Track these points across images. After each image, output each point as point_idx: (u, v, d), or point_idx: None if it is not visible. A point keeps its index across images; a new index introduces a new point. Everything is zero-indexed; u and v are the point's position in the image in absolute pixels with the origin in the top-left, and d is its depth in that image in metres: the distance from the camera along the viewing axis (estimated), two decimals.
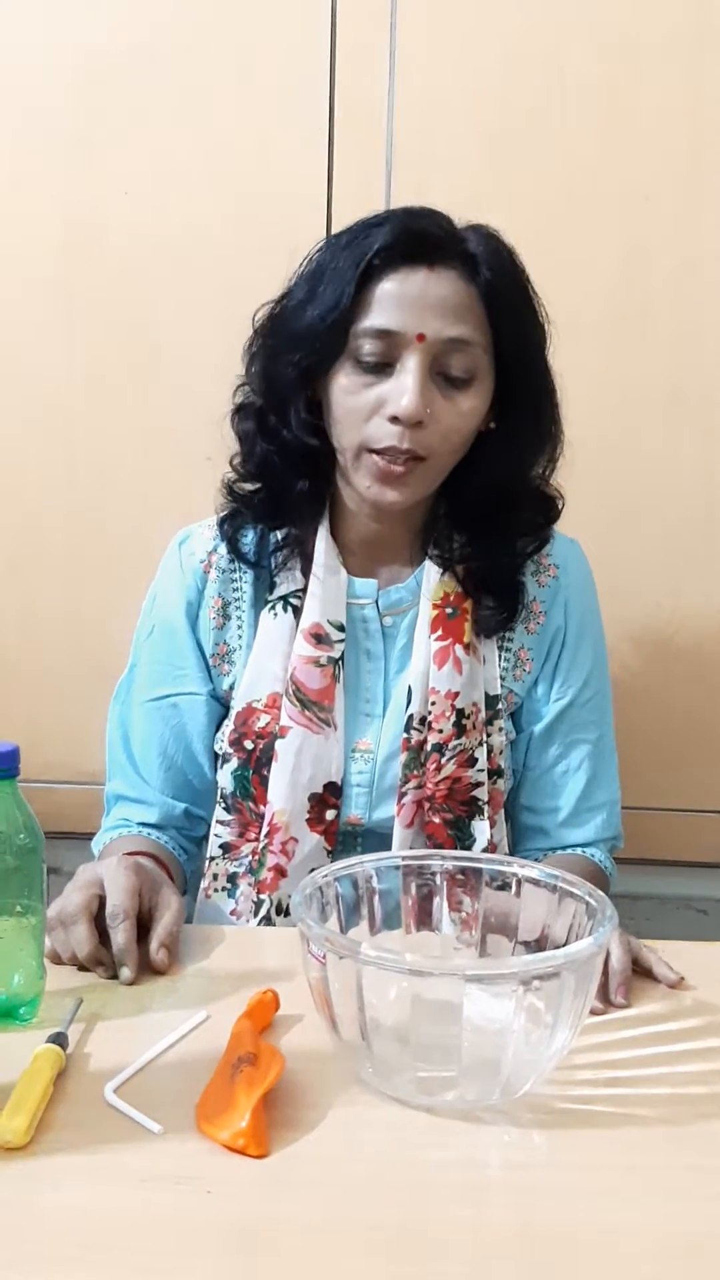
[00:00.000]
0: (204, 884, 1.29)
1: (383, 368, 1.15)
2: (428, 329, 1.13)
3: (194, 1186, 0.74)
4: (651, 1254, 0.70)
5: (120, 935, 1.00)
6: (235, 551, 1.27)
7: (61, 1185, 0.74)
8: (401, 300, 1.13)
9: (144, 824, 1.29)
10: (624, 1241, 0.71)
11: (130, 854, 1.16)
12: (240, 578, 1.28)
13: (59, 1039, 0.88)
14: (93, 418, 1.75)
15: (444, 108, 1.64)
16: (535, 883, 0.96)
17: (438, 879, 0.99)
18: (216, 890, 1.28)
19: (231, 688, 1.28)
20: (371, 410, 1.15)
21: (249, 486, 1.28)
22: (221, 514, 1.29)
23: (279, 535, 1.27)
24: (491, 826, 1.24)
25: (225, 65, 1.65)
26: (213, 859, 1.29)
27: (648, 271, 1.67)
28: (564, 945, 0.89)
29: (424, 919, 0.99)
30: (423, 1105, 0.83)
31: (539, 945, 0.94)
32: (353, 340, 1.15)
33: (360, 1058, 0.85)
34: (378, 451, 1.16)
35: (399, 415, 1.13)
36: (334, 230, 1.62)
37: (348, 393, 1.16)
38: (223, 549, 1.28)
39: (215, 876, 1.28)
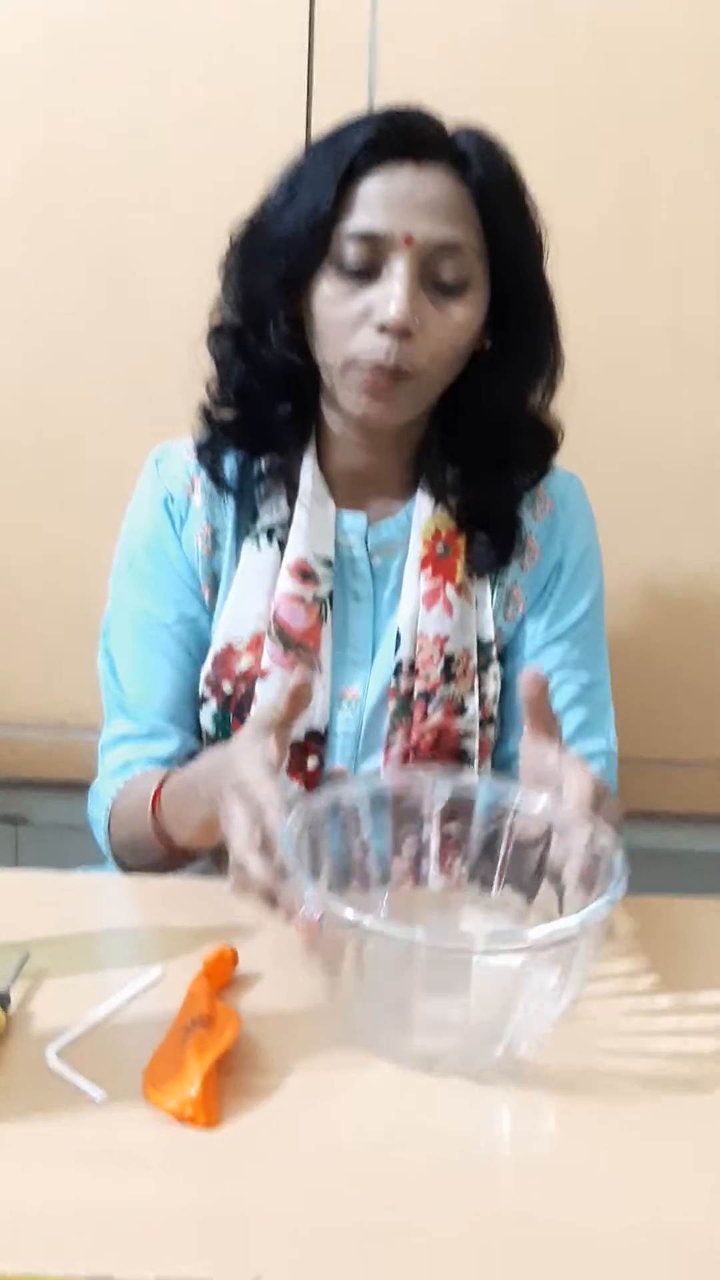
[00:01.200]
0: None
1: (368, 274, 1.06)
2: (416, 231, 1.05)
3: (138, 1162, 0.68)
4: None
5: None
6: (216, 480, 1.19)
7: None
8: (387, 200, 1.05)
9: (155, 760, 1.18)
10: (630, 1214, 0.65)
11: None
12: (225, 505, 1.20)
13: (0, 998, 0.81)
14: (63, 344, 1.67)
15: (431, 12, 1.55)
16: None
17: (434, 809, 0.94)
18: None
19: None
20: (357, 320, 1.07)
21: (227, 413, 1.20)
22: (199, 441, 1.21)
23: (262, 464, 1.19)
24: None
25: None
26: None
27: (646, 193, 1.59)
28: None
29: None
30: (421, 1067, 0.78)
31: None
32: (335, 245, 1.07)
33: (356, 1018, 0.80)
34: (365, 365, 1.07)
35: (386, 324, 1.05)
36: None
37: (331, 302, 1.08)
38: (205, 473, 1.20)
39: None
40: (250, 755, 0.89)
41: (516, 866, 0.92)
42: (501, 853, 0.93)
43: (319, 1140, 0.71)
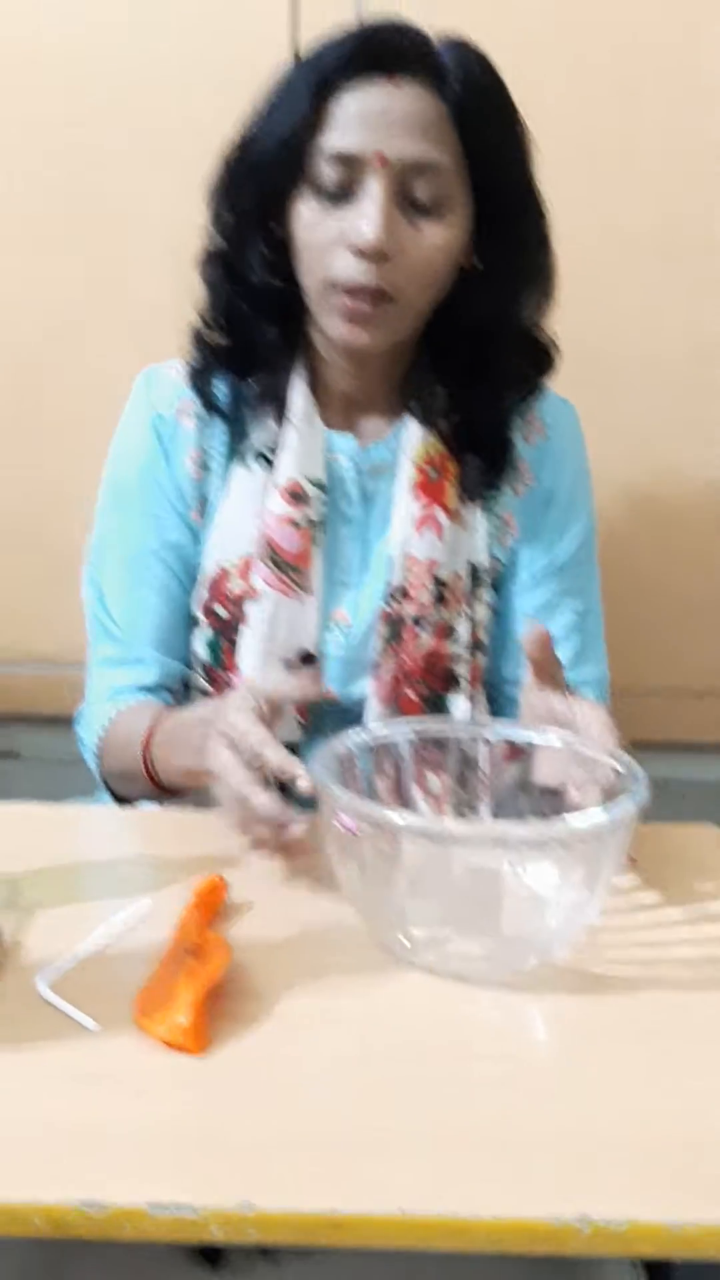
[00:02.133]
0: None
1: (344, 195, 1.05)
2: (389, 150, 1.02)
3: (127, 1087, 0.68)
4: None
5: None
6: (207, 403, 1.17)
7: None
8: (362, 118, 1.03)
9: (143, 688, 1.18)
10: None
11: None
12: (215, 429, 1.18)
13: None
14: (35, 272, 1.64)
15: None
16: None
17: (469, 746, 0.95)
18: None
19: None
20: (333, 242, 1.05)
21: (218, 337, 1.18)
22: (191, 364, 1.19)
23: (253, 386, 1.17)
24: (470, 703, 1.17)
25: None
26: None
27: (638, 108, 1.55)
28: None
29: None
30: (456, 975, 0.79)
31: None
32: (311, 165, 1.05)
33: (391, 929, 0.81)
34: (343, 289, 1.06)
35: (360, 245, 1.03)
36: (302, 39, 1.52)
37: (308, 225, 1.06)
38: (196, 396, 1.18)
39: None
40: (241, 706, 0.90)
41: (537, 803, 0.92)
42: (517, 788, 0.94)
43: (308, 1065, 0.71)
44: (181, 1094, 0.68)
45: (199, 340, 1.18)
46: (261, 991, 0.78)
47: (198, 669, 1.20)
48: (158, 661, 1.18)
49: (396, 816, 0.75)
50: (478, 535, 1.19)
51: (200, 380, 1.18)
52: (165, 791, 1.08)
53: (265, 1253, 1.02)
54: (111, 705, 1.17)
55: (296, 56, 1.10)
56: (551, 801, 0.89)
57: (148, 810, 1.13)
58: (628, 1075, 0.71)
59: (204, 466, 1.18)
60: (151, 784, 1.08)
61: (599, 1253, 0.64)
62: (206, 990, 0.74)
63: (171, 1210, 0.59)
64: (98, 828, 1.09)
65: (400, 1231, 0.59)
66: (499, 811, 0.93)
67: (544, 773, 0.91)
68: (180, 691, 1.21)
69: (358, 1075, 0.70)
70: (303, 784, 0.82)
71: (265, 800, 0.84)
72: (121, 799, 1.18)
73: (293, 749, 1.13)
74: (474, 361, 1.15)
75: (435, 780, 0.94)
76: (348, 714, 1.17)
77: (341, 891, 0.84)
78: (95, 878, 0.94)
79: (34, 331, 1.66)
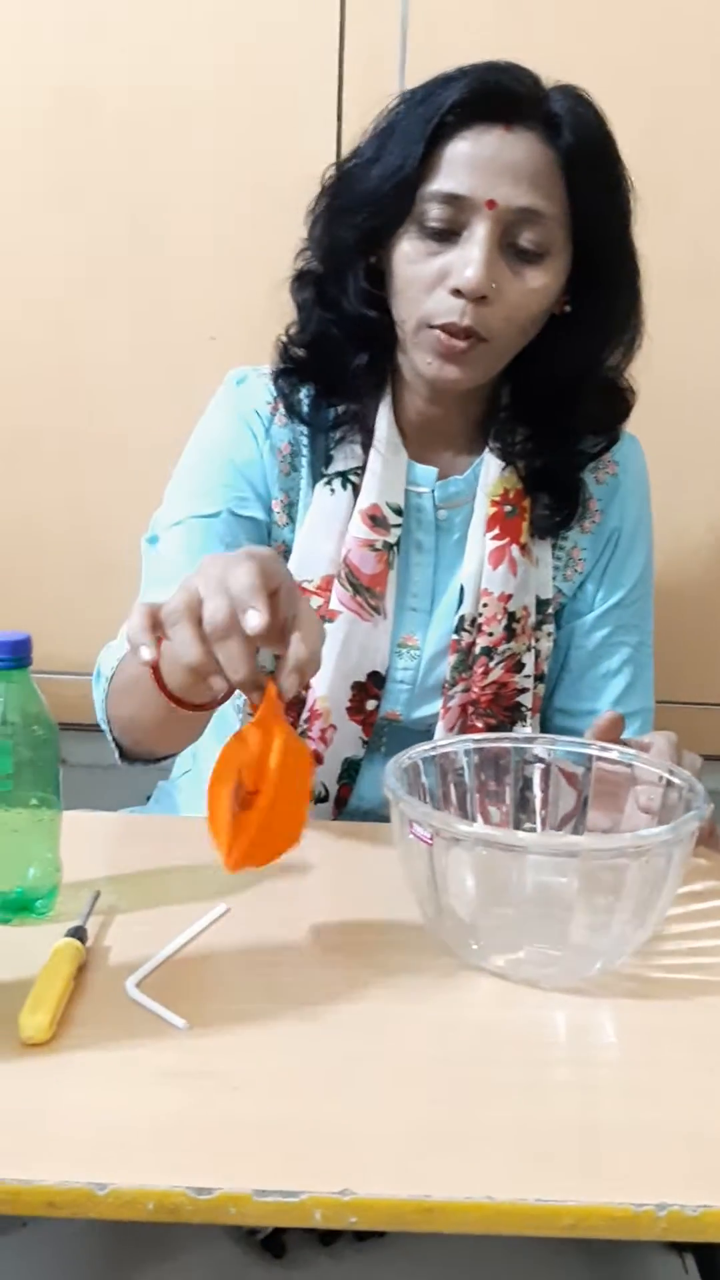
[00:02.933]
0: None
1: (449, 236, 1.07)
2: (499, 195, 1.05)
3: (219, 1083, 0.72)
4: None
5: (232, 647, 0.80)
6: (292, 410, 1.20)
7: (84, 1082, 0.72)
8: (473, 163, 1.06)
9: None
10: None
11: None
12: (301, 435, 1.20)
13: (78, 933, 0.86)
14: (88, 296, 1.68)
15: None
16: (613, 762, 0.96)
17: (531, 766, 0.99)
18: None
19: (287, 554, 1.20)
20: (434, 281, 1.08)
21: (303, 354, 1.20)
22: (277, 368, 1.21)
23: (337, 410, 1.20)
24: (531, 732, 1.21)
25: None
26: None
27: (673, 144, 1.59)
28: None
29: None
30: (526, 980, 0.83)
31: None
32: (419, 204, 1.07)
33: (464, 937, 0.84)
34: (438, 326, 1.09)
35: (462, 288, 1.06)
36: (345, 95, 1.56)
37: (410, 261, 1.09)
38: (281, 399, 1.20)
39: None
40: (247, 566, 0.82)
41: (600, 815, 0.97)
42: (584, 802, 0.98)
43: (390, 1063, 0.75)
44: (275, 1089, 0.72)
45: (285, 354, 1.21)
46: (337, 992, 0.82)
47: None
48: None
49: (472, 828, 0.80)
50: (545, 569, 1.22)
51: (285, 385, 1.20)
52: (170, 699, 0.95)
53: (326, 1244, 1.07)
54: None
55: (405, 92, 1.12)
56: (610, 817, 0.94)
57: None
58: (691, 1073, 0.75)
59: (292, 464, 1.20)
60: (156, 682, 0.94)
61: (673, 1237, 0.68)
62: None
63: (275, 1196, 0.63)
64: (172, 835, 1.13)
65: (487, 1217, 0.63)
66: (560, 825, 0.97)
67: (602, 795, 0.95)
68: None
69: (440, 1073, 0.74)
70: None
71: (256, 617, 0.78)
72: (127, 755, 1.15)
73: (354, 765, 1.19)
74: (556, 405, 1.18)
75: (496, 799, 0.98)
76: (413, 735, 1.20)
77: (410, 896, 0.88)
78: (171, 883, 0.98)
79: (82, 353, 1.70)
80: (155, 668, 0.93)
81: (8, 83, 1.61)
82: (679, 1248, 1.19)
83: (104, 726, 1.16)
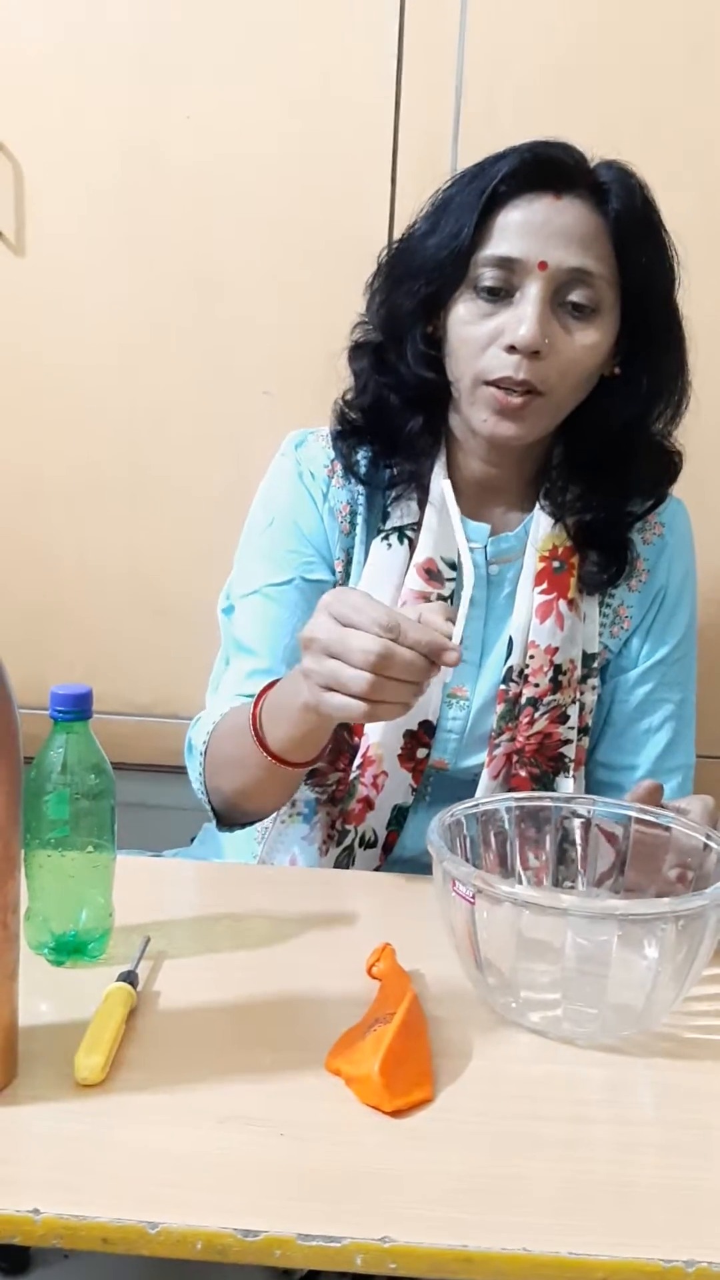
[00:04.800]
0: (278, 811, 1.26)
1: (503, 297, 1.13)
2: (550, 257, 1.11)
3: (266, 1128, 0.75)
4: None
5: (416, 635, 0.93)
6: (350, 470, 1.25)
7: (136, 1123, 0.75)
8: (525, 228, 1.12)
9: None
10: None
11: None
12: (359, 494, 1.26)
13: (129, 978, 0.89)
14: (150, 352, 1.74)
15: (516, 39, 1.60)
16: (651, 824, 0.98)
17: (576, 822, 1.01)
18: (293, 815, 1.27)
19: None
20: (489, 340, 1.13)
21: (360, 418, 1.26)
22: (335, 430, 1.26)
23: (394, 469, 1.25)
24: (575, 784, 1.24)
25: None
26: None
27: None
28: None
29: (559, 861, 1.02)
30: (563, 1037, 0.85)
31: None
32: (474, 269, 1.13)
33: (504, 993, 0.87)
34: (494, 383, 1.13)
35: (516, 344, 1.11)
36: (399, 166, 1.61)
37: (466, 322, 1.15)
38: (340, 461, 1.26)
39: (293, 802, 1.27)
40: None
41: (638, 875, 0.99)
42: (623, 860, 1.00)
43: (433, 1115, 0.77)
44: (319, 1136, 0.75)
45: (342, 417, 1.26)
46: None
47: None
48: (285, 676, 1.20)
49: (515, 889, 0.82)
50: (592, 625, 1.26)
51: (343, 447, 1.25)
52: (273, 760, 1.08)
53: None
54: (230, 705, 1.19)
55: (458, 172, 1.18)
56: (648, 878, 0.96)
57: (267, 868, 1.21)
58: None
59: (351, 522, 1.25)
60: (259, 746, 1.08)
61: None
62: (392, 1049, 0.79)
63: (318, 1240, 0.66)
64: (220, 881, 1.16)
65: (523, 1268, 0.66)
66: (598, 883, 1.00)
67: (640, 856, 0.97)
68: None
69: (480, 1126, 0.77)
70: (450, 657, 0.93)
71: (417, 633, 0.93)
72: (225, 821, 1.22)
73: (402, 813, 1.22)
74: (605, 464, 1.22)
75: (536, 854, 1.00)
76: (458, 784, 1.24)
77: (451, 949, 0.91)
78: (218, 930, 1.01)
79: (143, 405, 1.75)
80: (258, 734, 1.06)
81: (79, 148, 1.67)
82: None
83: (201, 798, 1.22)
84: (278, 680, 1.09)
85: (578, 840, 1.00)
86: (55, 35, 1.64)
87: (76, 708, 0.92)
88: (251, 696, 1.13)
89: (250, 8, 1.62)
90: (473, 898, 0.84)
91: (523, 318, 1.11)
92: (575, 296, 1.12)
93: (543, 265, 1.11)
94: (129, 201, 1.69)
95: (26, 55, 1.65)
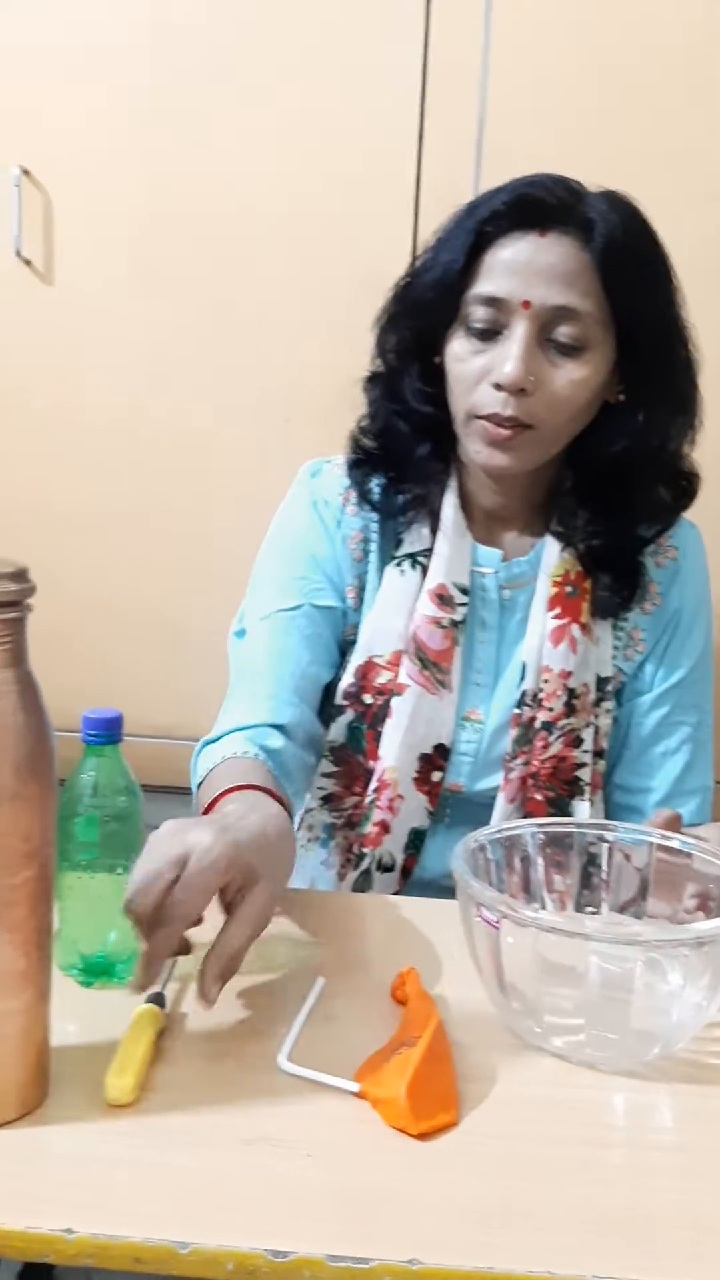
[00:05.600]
0: (295, 836, 1.28)
1: (492, 335, 1.16)
2: (533, 295, 1.13)
3: (293, 1149, 0.76)
4: None
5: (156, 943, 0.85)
6: (364, 498, 1.28)
7: (166, 1143, 0.76)
8: (510, 267, 1.14)
9: (275, 725, 1.17)
10: None
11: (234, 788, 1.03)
12: (372, 522, 1.28)
13: (158, 999, 0.90)
14: (171, 381, 1.77)
15: (539, 74, 1.62)
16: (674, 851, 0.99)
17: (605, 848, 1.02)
18: (311, 840, 1.29)
19: (355, 638, 1.27)
20: (479, 377, 1.16)
21: (374, 445, 1.28)
22: (350, 458, 1.29)
23: (406, 496, 1.28)
24: (591, 807, 1.25)
25: (315, 33, 1.64)
26: (310, 810, 1.29)
27: None
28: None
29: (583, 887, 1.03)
30: (585, 1062, 0.86)
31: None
32: (464, 307, 1.16)
33: (527, 1018, 0.88)
34: (484, 417, 1.16)
35: (502, 382, 1.14)
36: (421, 198, 1.64)
37: (458, 359, 1.18)
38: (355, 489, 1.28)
39: (310, 827, 1.29)
40: (214, 865, 0.85)
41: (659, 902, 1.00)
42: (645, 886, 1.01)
43: (457, 1140, 0.78)
44: (347, 1158, 0.76)
45: (357, 445, 1.29)
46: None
47: (328, 753, 1.28)
48: (292, 704, 1.22)
49: (539, 915, 0.83)
50: (605, 648, 1.27)
51: (358, 475, 1.28)
52: None
53: None
54: (230, 745, 1.15)
55: (462, 208, 1.20)
56: (670, 904, 0.97)
57: (289, 891, 1.21)
58: None
59: (364, 550, 1.28)
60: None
61: None
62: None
63: (347, 1262, 0.67)
64: None
65: None
66: (622, 909, 1.01)
67: (662, 882, 0.98)
68: (306, 743, 1.23)
69: (504, 1149, 0.78)
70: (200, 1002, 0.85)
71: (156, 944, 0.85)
72: None
73: (419, 836, 1.23)
74: (615, 489, 1.24)
75: (560, 878, 1.01)
76: (475, 807, 1.25)
77: (474, 973, 0.92)
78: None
79: (161, 431, 1.78)
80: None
81: (107, 179, 1.71)
82: None
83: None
84: (238, 788, 1.04)
85: (603, 865, 1.01)
86: (86, 71, 1.68)
87: (107, 731, 0.93)
88: (254, 728, 1.16)
89: (276, 46, 1.65)
90: (497, 922, 0.85)
91: (508, 356, 1.13)
92: (561, 333, 1.14)
93: (526, 304, 1.13)
94: (155, 232, 1.72)
95: (58, 90, 1.68)
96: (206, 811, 1.03)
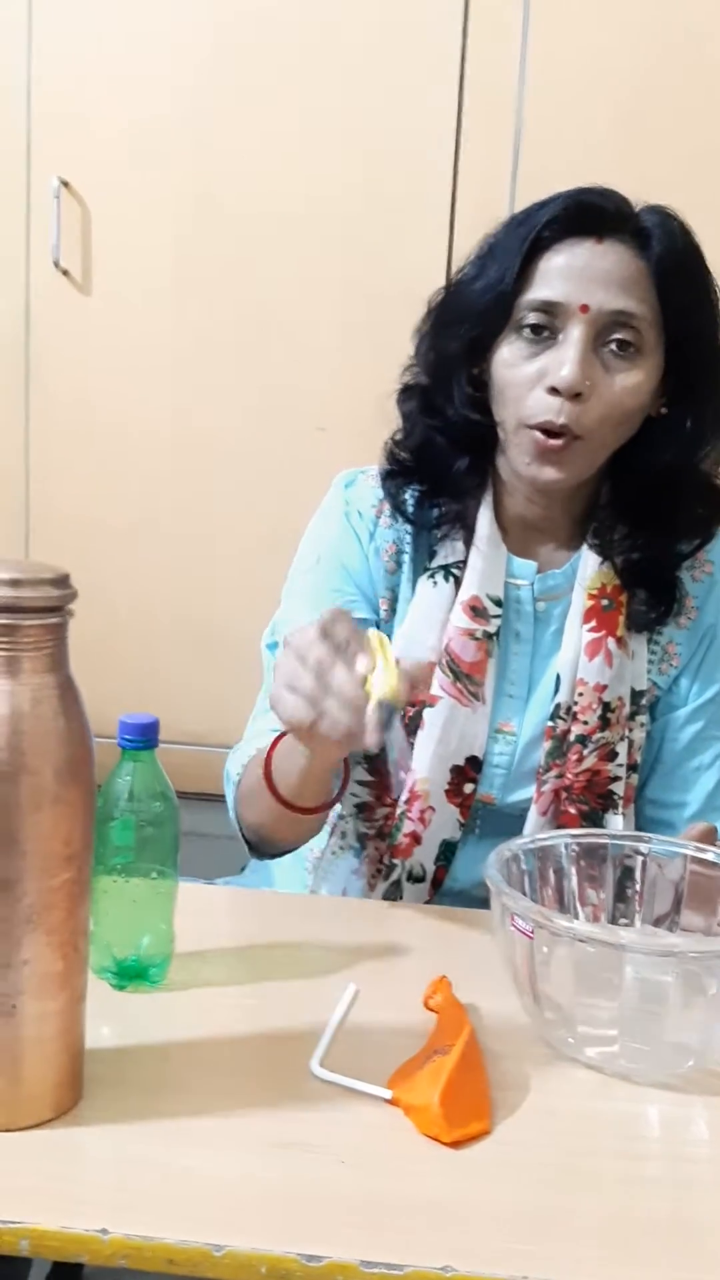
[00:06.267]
0: (328, 843, 1.29)
1: (546, 340, 1.15)
2: (591, 300, 1.13)
3: (328, 1155, 0.76)
4: None
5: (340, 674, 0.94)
6: (398, 510, 1.27)
7: (200, 1148, 0.76)
8: (567, 272, 1.14)
9: None
10: None
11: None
12: (405, 534, 1.28)
13: None
14: (207, 391, 1.78)
15: (575, 85, 1.63)
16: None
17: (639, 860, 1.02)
18: (343, 848, 1.29)
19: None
20: (532, 382, 1.15)
21: (409, 458, 1.28)
22: (384, 470, 1.29)
23: (441, 508, 1.27)
24: (624, 821, 1.25)
25: (353, 39, 1.65)
26: (342, 818, 1.29)
27: None
28: None
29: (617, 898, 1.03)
30: (619, 1073, 0.86)
31: None
32: (517, 313, 1.16)
33: (561, 1028, 0.88)
34: (535, 426, 1.15)
35: (558, 385, 1.13)
36: (457, 211, 1.64)
37: (509, 365, 1.17)
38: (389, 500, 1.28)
39: (343, 835, 1.29)
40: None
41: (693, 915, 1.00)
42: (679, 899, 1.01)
43: (490, 1150, 0.78)
44: (381, 1165, 0.76)
45: (392, 458, 1.28)
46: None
47: (363, 760, 1.28)
48: None
49: (574, 925, 0.83)
50: (640, 662, 1.27)
51: (392, 486, 1.27)
52: (283, 805, 1.10)
53: None
54: (264, 738, 1.18)
55: (510, 219, 1.21)
56: (704, 918, 0.97)
57: (320, 899, 1.22)
58: None
59: (397, 562, 1.27)
60: (269, 790, 1.10)
61: None
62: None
63: (380, 1268, 0.67)
64: (276, 910, 1.18)
65: None
66: (656, 922, 1.00)
67: (696, 896, 0.98)
68: None
69: (537, 1159, 0.78)
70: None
71: (344, 677, 0.93)
72: (257, 850, 1.24)
73: (450, 847, 1.23)
74: (654, 504, 1.23)
75: (594, 890, 1.01)
76: (506, 819, 1.25)
77: (507, 983, 0.92)
78: (275, 959, 1.02)
79: (198, 442, 1.79)
80: (269, 778, 1.09)
81: (145, 191, 1.72)
82: None
83: (236, 826, 1.24)
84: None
85: (637, 878, 1.01)
86: (125, 84, 1.69)
87: (143, 736, 0.94)
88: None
89: (313, 59, 1.67)
90: (532, 932, 0.85)
91: (565, 360, 1.13)
92: (617, 339, 1.14)
93: (584, 308, 1.13)
94: (192, 244, 1.73)
95: (97, 104, 1.70)
96: (267, 765, 1.10)
